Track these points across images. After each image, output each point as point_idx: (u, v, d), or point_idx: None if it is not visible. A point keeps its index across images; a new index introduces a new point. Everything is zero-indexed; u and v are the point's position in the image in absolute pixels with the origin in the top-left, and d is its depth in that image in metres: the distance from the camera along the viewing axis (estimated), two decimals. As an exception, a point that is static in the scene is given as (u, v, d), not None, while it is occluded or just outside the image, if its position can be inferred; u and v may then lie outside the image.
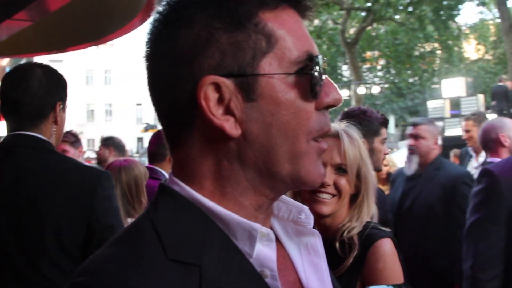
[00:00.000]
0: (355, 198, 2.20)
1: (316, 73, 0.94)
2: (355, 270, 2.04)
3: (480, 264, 2.92)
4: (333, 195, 2.14)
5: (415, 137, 4.44)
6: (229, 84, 0.91)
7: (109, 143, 5.96)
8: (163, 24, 0.97)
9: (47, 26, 8.38)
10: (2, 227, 2.26)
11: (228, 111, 0.92)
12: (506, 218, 2.86)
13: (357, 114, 3.30)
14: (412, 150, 4.45)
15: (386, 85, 33.08)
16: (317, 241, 1.10)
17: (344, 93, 29.36)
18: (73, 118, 55.88)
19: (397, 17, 25.44)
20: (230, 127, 0.92)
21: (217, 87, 0.91)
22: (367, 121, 3.28)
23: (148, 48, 0.99)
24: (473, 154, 6.53)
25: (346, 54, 25.17)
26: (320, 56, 0.95)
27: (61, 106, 2.49)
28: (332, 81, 0.99)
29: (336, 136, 2.15)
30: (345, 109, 3.50)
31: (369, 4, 23.36)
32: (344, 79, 32.65)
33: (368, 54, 32.71)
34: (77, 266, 1.19)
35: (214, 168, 0.96)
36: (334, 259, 1.99)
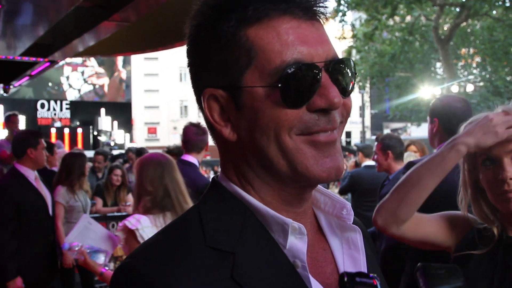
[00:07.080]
0: None
1: (291, 83, 0.96)
2: None
3: None
4: None
5: None
6: (224, 96, 1.02)
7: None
8: (188, 40, 1.09)
9: (141, 27, 8.86)
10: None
11: (228, 119, 1.04)
12: None
13: None
14: None
15: (482, 84, 31.79)
16: (357, 237, 1.13)
17: (437, 92, 28.58)
18: (167, 114, 57.79)
19: (493, 12, 24.34)
20: (227, 133, 1.04)
21: (216, 98, 1.03)
22: None
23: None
24: None
25: (439, 51, 24.38)
26: (312, 64, 0.97)
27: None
28: (332, 84, 0.99)
29: None
30: None
31: (463, 0, 22.49)
32: (438, 76, 31.67)
33: (463, 51, 31.52)
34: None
35: (234, 166, 1.07)
36: None
